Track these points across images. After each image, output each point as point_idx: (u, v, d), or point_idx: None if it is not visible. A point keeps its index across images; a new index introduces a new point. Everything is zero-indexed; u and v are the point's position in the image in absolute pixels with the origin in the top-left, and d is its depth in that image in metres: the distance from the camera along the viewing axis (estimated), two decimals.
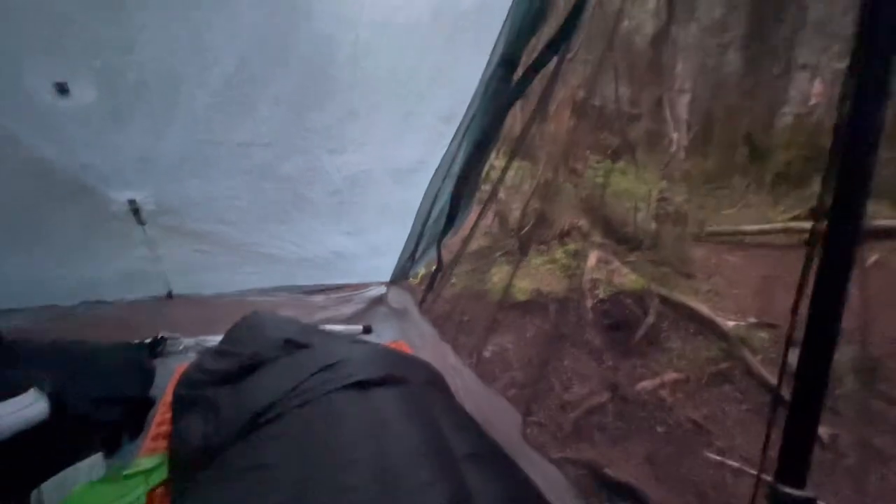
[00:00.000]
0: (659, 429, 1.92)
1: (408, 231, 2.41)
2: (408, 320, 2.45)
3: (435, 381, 1.25)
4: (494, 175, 4.31)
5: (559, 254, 3.43)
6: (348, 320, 2.50)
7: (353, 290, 2.55)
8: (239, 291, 2.01)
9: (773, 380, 2.09)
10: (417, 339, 2.30)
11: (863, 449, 1.84)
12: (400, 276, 2.63)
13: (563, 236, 3.73)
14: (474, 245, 4.46)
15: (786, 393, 0.68)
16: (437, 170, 2.14)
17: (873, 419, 1.99)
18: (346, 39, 1.42)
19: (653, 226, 3.78)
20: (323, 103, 1.61)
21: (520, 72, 1.64)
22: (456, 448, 0.91)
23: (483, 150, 2.01)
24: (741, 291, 3.65)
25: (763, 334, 2.44)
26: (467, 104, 1.89)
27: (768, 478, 0.71)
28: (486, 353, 2.66)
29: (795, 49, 6.72)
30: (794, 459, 0.70)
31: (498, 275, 3.40)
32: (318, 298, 2.48)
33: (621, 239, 3.90)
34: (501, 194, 4.06)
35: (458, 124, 1.95)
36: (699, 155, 7.94)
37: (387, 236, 2.51)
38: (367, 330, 2.37)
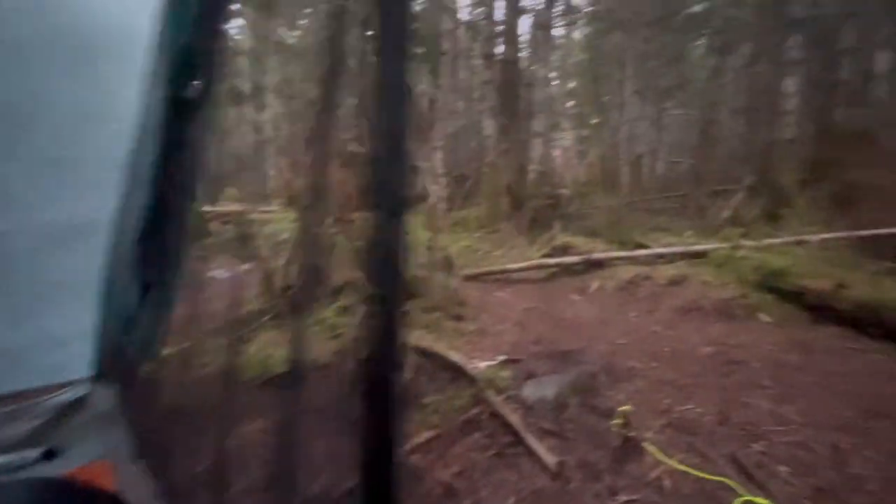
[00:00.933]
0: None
1: (100, 309, 1.82)
2: (115, 429, 1.80)
3: None
4: (255, 230, 3.87)
5: (328, 313, 3.19)
6: (22, 443, 1.71)
7: (31, 397, 1.78)
8: None
9: (513, 418, 2.20)
10: (122, 454, 1.70)
11: (584, 469, 2.03)
12: (110, 368, 1.96)
13: (337, 293, 3.52)
14: (235, 312, 3.86)
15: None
16: (116, 228, 1.67)
17: (591, 436, 2.25)
18: None
19: (423, 273, 3.91)
20: None
21: (188, 110, 1.38)
22: None
23: (172, 200, 1.65)
24: (504, 327, 4.03)
25: (506, 373, 2.62)
26: (137, 145, 1.51)
27: None
28: (226, 450, 2.15)
29: (532, 120, 8.39)
30: None
31: (256, 345, 2.94)
32: None
33: None
34: (265, 251, 3.65)
35: (132, 169, 1.56)
36: (473, 204, 9.02)
37: (71, 320, 1.83)
38: (49, 455, 1.63)
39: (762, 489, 1.86)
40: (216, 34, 1.33)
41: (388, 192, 0.54)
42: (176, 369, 2.74)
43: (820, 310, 3.90)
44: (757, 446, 2.16)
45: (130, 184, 1.60)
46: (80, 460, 1.59)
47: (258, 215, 4.58)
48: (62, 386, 1.88)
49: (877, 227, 5.14)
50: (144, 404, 2.31)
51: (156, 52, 1.36)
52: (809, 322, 3.88)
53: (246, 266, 5.67)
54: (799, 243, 5.18)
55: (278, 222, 4.06)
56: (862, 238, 5.11)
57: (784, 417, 2.41)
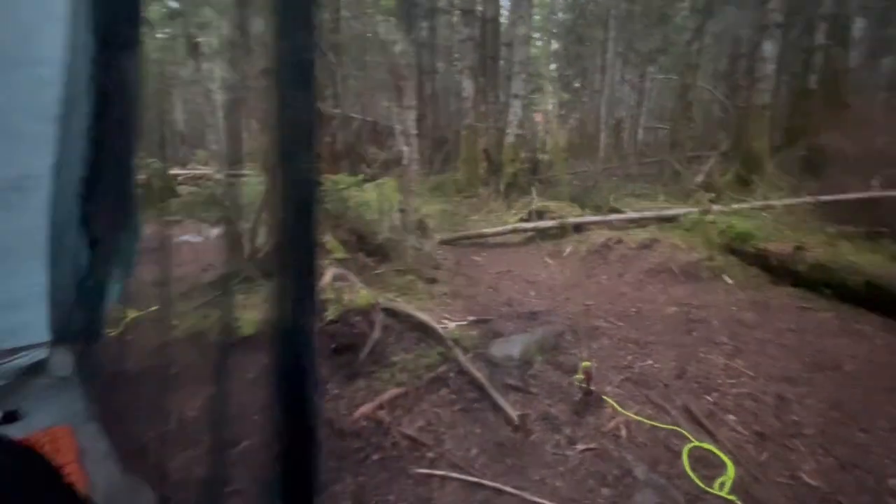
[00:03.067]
0: (375, 456, 1.81)
1: (49, 271, 1.79)
2: (74, 393, 1.79)
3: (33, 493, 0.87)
4: (226, 192, 3.74)
5: None
6: None
7: None
8: None
9: (479, 375, 2.26)
10: (81, 417, 1.70)
11: (545, 421, 2.11)
12: (70, 332, 1.91)
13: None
14: (208, 275, 3.79)
15: None
16: (55, 184, 1.60)
17: (553, 391, 2.33)
18: None
19: (396, 236, 3.89)
20: None
21: (125, 53, 1.29)
22: None
23: (113, 150, 1.56)
24: (477, 290, 4.07)
25: (475, 332, 2.66)
26: (67, 93, 1.42)
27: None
28: (190, 414, 2.16)
29: (510, 82, 8.18)
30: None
31: (228, 307, 2.89)
32: None
33: (370, 252, 3.88)
34: (235, 214, 3.55)
35: (66, 119, 1.47)
36: (452, 168, 8.90)
37: (22, 282, 1.79)
38: (11, 418, 1.65)
39: (710, 436, 1.98)
40: None
41: (295, 149, 0.50)
42: (141, 332, 2.71)
43: (779, 271, 4.05)
44: (709, 398, 2.28)
45: (65, 135, 1.51)
46: (40, 424, 1.57)
47: (229, 178, 4.41)
48: (17, 350, 1.84)
49: (839, 192, 5.31)
50: (105, 367, 2.27)
51: None
52: (769, 283, 4.04)
53: (218, 230, 5.50)
54: (765, 208, 5.32)
55: (249, 185, 3.93)
56: (824, 203, 5.28)
57: (736, 371, 2.54)
